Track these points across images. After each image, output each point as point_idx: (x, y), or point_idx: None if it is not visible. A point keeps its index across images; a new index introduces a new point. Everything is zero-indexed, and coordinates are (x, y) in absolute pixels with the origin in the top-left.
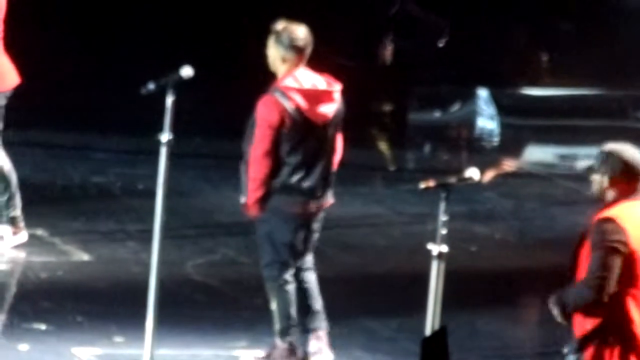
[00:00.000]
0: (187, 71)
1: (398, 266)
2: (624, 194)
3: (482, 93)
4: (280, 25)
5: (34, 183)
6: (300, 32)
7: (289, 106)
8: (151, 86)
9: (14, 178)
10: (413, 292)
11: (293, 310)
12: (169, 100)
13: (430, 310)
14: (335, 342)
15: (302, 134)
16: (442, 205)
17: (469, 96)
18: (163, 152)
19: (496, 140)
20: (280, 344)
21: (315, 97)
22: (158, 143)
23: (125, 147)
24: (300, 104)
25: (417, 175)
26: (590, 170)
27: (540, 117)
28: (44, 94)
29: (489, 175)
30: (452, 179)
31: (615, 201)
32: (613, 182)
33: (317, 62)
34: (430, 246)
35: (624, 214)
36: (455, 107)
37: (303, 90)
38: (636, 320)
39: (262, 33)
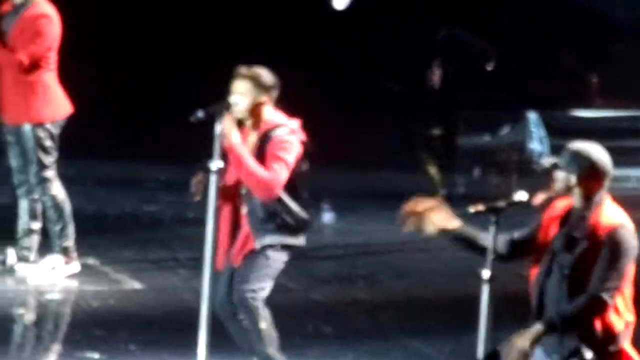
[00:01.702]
0: (236, 98)
1: (448, 290)
2: (591, 192)
3: (532, 116)
4: (254, 69)
5: (86, 213)
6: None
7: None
8: (200, 114)
9: (67, 208)
10: (465, 316)
11: None
12: (218, 128)
13: (482, 335)
14: None
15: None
16: (492, 229)
17: (518, 119)
18: (213, 180)
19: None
20: None
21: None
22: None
23: (175, 176)
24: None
25: (466, 199)
26: (554, 167)
27: (590, 139)
28: (95, 125)
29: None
30: (502, 203)
31: (587, 199)
32: (580, 181)
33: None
34: (481, 270)
35: (626, 219)
36: (505, 130)
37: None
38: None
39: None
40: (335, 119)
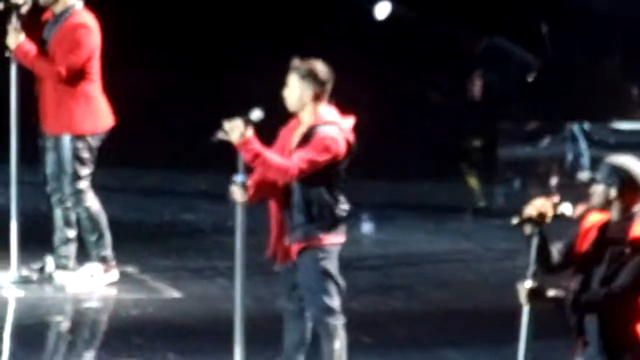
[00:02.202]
0: (257, 114)
1: (488, 302)
2: (630, 205)
3: (573, 127)
4: (309, 61)
5: (125, 221)
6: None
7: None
8: (220, 135)
9: (103, 218)
10: (503, 329)
11: None
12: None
13: (522, 347)
14: None
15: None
16: (535, 241)
17: (559, 130)
18: (238, 192)
19: (592, 173)
20: None
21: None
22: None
23: (214, 185)
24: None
25: (506, 210)
26: (592, 181)
27: (631, 151)
28: (135, 134)
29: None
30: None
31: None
32: (620, 194)
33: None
34: (521, 283)
35: None
36: (545, 142)
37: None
38: None
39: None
40: (375, 128)
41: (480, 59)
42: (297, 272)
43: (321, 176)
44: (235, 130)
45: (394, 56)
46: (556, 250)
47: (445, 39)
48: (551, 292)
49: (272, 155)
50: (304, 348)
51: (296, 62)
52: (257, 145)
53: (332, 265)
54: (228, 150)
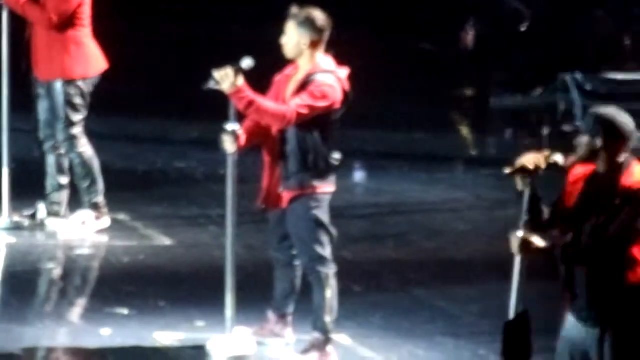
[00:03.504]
0: (248, 62)
1: (479, 251)
2: (616, 155)
3: (565, 77)
4: (307, 9)
5: (117, 169)
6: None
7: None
8: (212, 83)
9: (95, 164)
10: (494, 278)
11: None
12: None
13: (514, 296)
14: (416, 327)
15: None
16: (527, 191)
17: (551, 81)
18: (229, 141)
19: (579, 125)
20: (320, 336)
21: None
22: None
23: (207, 133)
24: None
25: (498, 160)
26: (577, 132)
27: (623, 102)
28: (126, 82)
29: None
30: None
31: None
32: (605, 144)
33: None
34: (514, 233)
35: None
36: (537, 92)
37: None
38: None
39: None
40: (367, 79)
41: (472, 9)
42: (288, 220)
43: (317, 124)
44: (225, 79)
45: (387, 7)
46: (546, 209)
47: None
48: (542, 243)
49: (266, 102)
50: (294, 297)
51: (294, 9)
52: (249, 93)
53: (324, 214)
54: (220, 98)
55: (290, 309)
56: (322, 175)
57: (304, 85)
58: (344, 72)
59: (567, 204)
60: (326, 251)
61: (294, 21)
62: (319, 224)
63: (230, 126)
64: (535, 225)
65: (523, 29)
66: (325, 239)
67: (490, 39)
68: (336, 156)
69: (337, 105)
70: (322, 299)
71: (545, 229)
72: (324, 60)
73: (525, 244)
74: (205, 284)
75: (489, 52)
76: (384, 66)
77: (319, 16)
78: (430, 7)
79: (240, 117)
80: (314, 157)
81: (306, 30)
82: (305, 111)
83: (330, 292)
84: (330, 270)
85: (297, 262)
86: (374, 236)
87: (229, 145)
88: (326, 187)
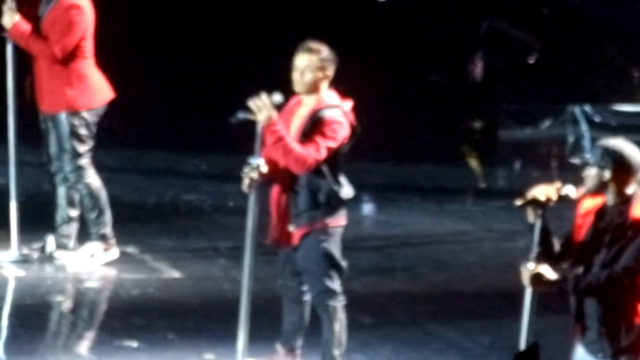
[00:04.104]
0: (277, 98)
1: (489, 283)
2: (625, 187)
3: (574, 109)
4: (318, 44)
5: (126, 201)
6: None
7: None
8: (241, 115)
9: (103, 195)
10: (504, 310)
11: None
12: (260, 126)
13: (524, 327)
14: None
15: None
16: (538, 223)
17: (560, 112)
18: (253, 175)
19: (587, 156)
20: None
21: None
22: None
23: (216, 165)
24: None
25: (507, 192)
26: (585, 164)
27: (632, 133)
28: (136, 114)
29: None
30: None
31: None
32: (614, 176)
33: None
34: (524, 265)
35: None
36: (546, 124)
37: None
38: None
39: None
40: (376, 110)
41: (481, 41)
42: (298, 254)
43: (326, 161)
44: (264, 109)
45: (396, 38)
46: (556, 241)
47: (446, 21)
48: (553, 276)
49: (293, 142)
50: (302, 331)
51: (307, 45)
52: (281, 128)
53: (335, 247)
54: (229, 132)
55: (299, 342)
56: (333, 211)
57: (313, 123)
58: (348, 104)
59: (577, 237)
60: (335, 284)
61: (313, 57)
62: (330, 257)
63: (256, 160)
64: (546, 257)
65: (532, 60)
66: (335, 272)
67: (499, 70)
68: (347, 191)
69: (346, 141)
70: (330, 332)
71: (556, 261)
72: (328, 95)
73: (536, 276)
74: (214, 317)
75: (497, 83)
76: (393, 98)
77: (326, 51)
78: (439, 39)
79: (248, 151)
80: (326, 194)
81: (326, 66)
82: (323, 156)
83: (339, 326)
84: (339, 303)
85: (307, 298)
86: (384, 268)
87: (252, 179)
88: (338, 221)
